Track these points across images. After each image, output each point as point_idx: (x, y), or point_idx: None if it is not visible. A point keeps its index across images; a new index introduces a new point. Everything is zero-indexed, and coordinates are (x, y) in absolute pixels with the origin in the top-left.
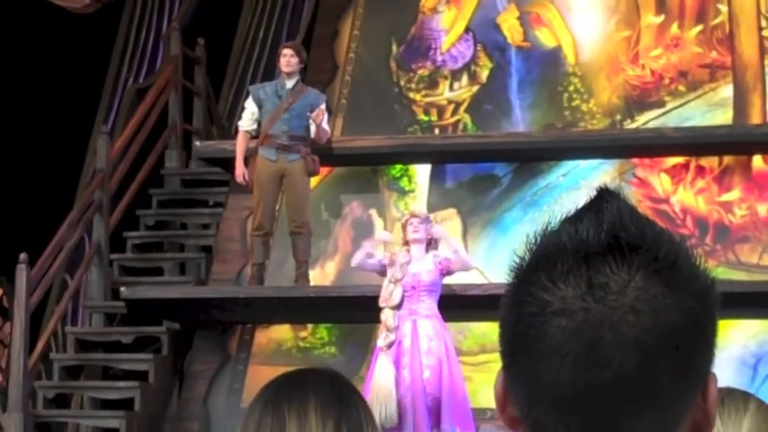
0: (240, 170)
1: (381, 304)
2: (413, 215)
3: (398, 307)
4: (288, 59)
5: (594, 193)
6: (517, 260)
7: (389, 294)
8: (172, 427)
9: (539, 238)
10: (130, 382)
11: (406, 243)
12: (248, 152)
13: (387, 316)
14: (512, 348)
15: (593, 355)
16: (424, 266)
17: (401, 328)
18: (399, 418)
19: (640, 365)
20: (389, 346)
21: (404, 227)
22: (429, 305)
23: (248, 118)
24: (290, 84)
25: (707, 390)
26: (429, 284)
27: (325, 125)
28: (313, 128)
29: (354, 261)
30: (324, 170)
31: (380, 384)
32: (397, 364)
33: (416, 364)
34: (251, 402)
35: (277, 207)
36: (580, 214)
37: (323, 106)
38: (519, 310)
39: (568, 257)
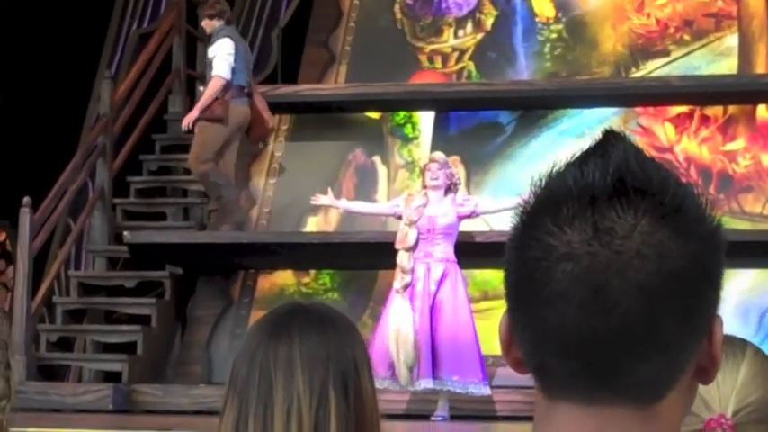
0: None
1: (397, 246)
2: (431, 160)
3: (413, 249)
4: (204, 22)
5: (600, 135)
6: (522, 203)
7: (404, 236)
8: (174, 371)
9: (544, 182)
10: (133, 326)
11: (425, 187)
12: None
13: (402, 258)
14: (516, 292)
15: (599, 300)
16: (441, 210)
17: (415, 271)
18: (417, 360)
19: (646, 310)
20: (405, 287)
21: (423, 171)
22: (444, 249)
23: None
24: None
25: (712, 333)
26: (445, 228)
27: (217, 68)
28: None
29: (367, 209)
30: (327, 117)
31: (399, 326)
32: (411, 306)
33: (425, 309)
34: (239, 349)
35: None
36: (585, 157)
37: (211, 48)
38: (524, 254)
39: (574, 201)
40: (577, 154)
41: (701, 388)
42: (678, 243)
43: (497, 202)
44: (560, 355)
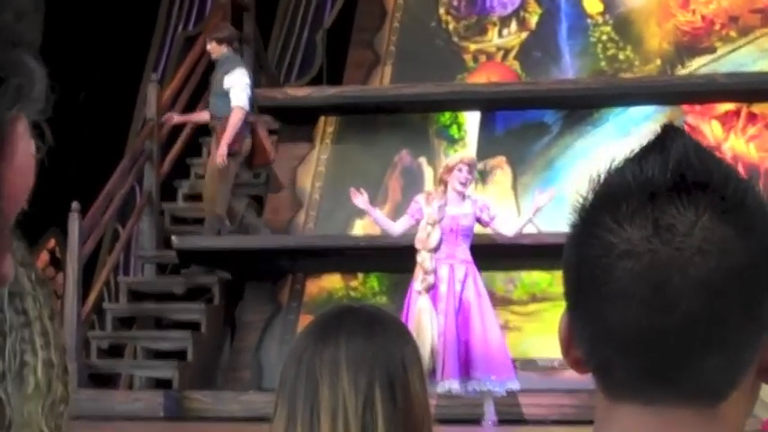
0: (171, 117)
1: (417, 246)
2: (463, 161)
3: (436, 250)
4: (211, 47)
5: (659, 130)
6: (581, 201)
7: (426, 236)
8: (224, 376)
9: (602, 178)
10: (183, 332)
11: (443, 183)
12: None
13: (423, 258)
14: (577, 290)
15: (660, 298)
16: (463, 210)
17: (438, 272)
18: (434, 363)
19: (707, 308)
20: (428, 289)
21: (450, 169)
22: (464, 250)
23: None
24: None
25: None
26: (467, 228)
27: (238, 99)
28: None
29: (396, 231)
30: (372, 118)
31: (418, 330)
32: (434, 308)
33: (450, 310)
34: (288, 354)
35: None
36: (645, 153)
37: (229, 78)
38: (584, 251)
39: (633, 197)
40: (636, 149)
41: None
42: (740, 239)
43: (511, 225)
44: (621, 353)
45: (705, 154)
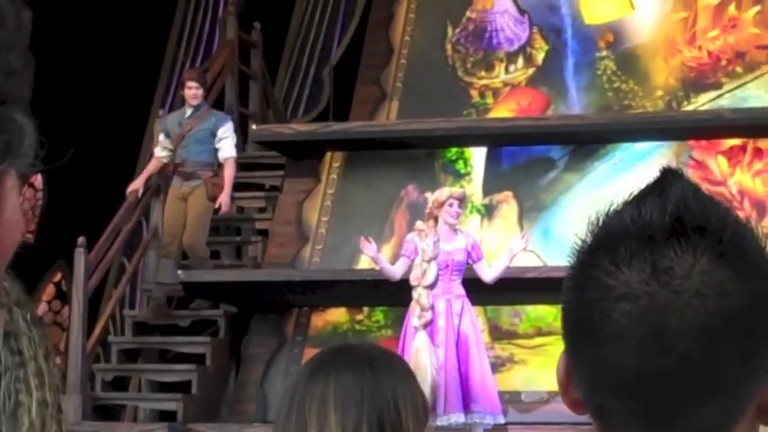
0: (136, 185)
1: (413, 283)
2: (453, 196)
3: (432, 286)
4: (194, 92)
5: (658, 173)
6: (579, 242)
7: (422, 273)
8: (229, 409)
9: (601, 221)
10: (188, 365)
11: (433, 218)
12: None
13: (420, 295)
14: (574, 332)
15: (658, 341)
16: (456, 245)
17: (435, 308)
18: (434, 398)
19: (705, 351)
20: (425, 325)
21: (440, 204)
22: (458, 284)
23: (159, 146)
24: (189, 111)
25: None
26: (460, 263)
27: (230, 151)
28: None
29: (398, 275)
30: (379, 154)
31: (416, 365)
32: (432, 343)
33: (451, 343)
34: (284, 387)
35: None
36: (643, 196)
37: (222, 129)
38: (581, 294)
39: (632, 240)
40: (635, 192)
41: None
42: (738, 282)
43: (491, 271)
44: (619, 396)
45: (703, 197)
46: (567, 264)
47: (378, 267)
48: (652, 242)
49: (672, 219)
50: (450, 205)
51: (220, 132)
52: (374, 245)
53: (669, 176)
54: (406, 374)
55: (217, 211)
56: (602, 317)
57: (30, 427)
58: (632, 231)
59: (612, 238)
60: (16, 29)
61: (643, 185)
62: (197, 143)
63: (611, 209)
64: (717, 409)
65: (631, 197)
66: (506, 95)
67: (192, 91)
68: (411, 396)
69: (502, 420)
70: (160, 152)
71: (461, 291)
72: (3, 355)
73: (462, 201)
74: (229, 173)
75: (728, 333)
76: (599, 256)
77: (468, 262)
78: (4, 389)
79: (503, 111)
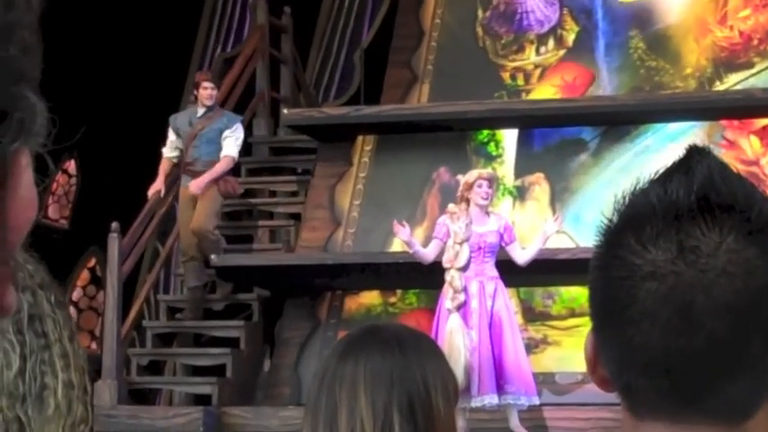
0: (157, 186)
1: (446, 265)
2: (483, 177)
3: (465, 268)
4: (209, 92)
5: (684, 151)
6: (605, 222)
7: (455, 255)
8: (263, 393)
9: (627, 199)
10: (222, 348)
11: (465, 201)
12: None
13: (453, 277)
14: (601, 312)
15: (685, 320)
16: (489, 227)
17: (468, 290)
18: (468, 380)
19: (732, 329)
20: (459, 308)
21: (470, 186)
22: (492, 266)
23: (168, 146)
24: (201, 111)
25: None
26: (493, 245)
27: (231, 150)
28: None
29: (431, 257)
30: (410, 137)
31: (450, 348)
32: (465, 325)
33: (484, 325)
34: (313, 376)
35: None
36: (669, 174)
37: (231, 129)
38: (608, 273)
39: (658, 219)
40: (661, 171)
41: None
42: (765, 260)
43: (524, 254)
44: (647, 375)
45: (730, 175)
46: (594, 243)
47: (411, 251)
48: (678, 221)
49: (698, 197)
50: (480, 186)
51: (228, 132)
52: (408, 228)
53: (695, 154)
54: (434, 354)
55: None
56: (628, 296)
57: (56, 408)
58: (658, 210)
59: (638, 217)
60: (26, 8)
61: (669, 164)
62: (208, 143)
63: (637, 188)
64: (744, 387)
65: (657, 175)
66: (551, 70)
67: (208, 91)
68: (441, 376)
69: (537, 402)
70: (170, 152)
71: (495, 272)
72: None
73: (491, 181)
74: (220, 167)
75: (756, 311)
76: (625, 236)
77: (501, 244)
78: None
79: (547, 86)
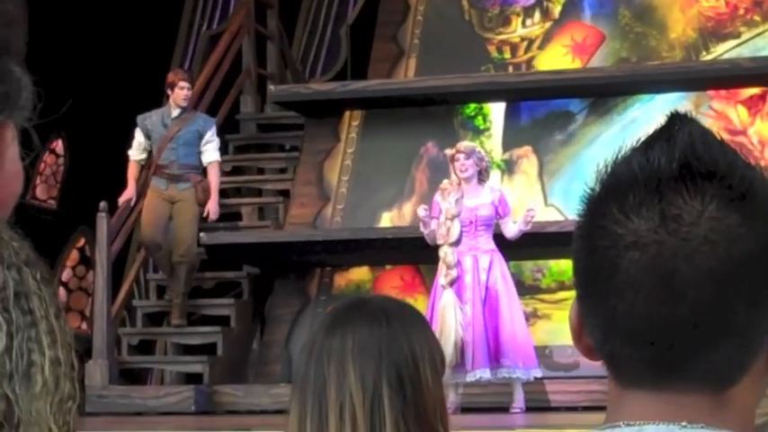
0: (129, 194)
1: (439, 241)
2: (458, 151)
3: (457, 243)
4: (186, 93)
5: (666, 119)
6: (588, 191)
7: (446, 231)
8: (254, 370)
9: (609, 168)
10: (213, 327)
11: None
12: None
13: (446, 253)
14: (585, 281)
15: (668, 289)
16: (481, 200)
17: (462, 264)
18: (461, 355)
19: (716, 297)
20: (452, 283)
21: (451, 161)
22: (487, 239)
23: (136, 148)
24: (175, 112)
25: None
26: (487, 218)
27: (215, 155)
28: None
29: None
30: (397, 111)
31: (442, 324)
32: (459, 299)
33: (477, 299)
34: (302, 345)
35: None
36: (651, 142)
37: (209, 132)
38: (591, 243)
39: (640, 188)
40: (643, 139)
41: None
42: (747, 227)
43: (512, 229)
44: (631, 343)
45: (712, 142)
46: (576, 212)
47: (425, 231)
48: (660, 189)
49: (680, 165)
50: (457, 160)
51: (208, 135)
52: (428, 211)
53: (677, 121)
54: (420, 325)
55: (205, 219)
56: (611, 265)
57: (43, 385)
58: (640, 179)
59: (621, 186)
60: None
61: (651, 131)
62: (186, 145)
63: (620, 156)
64: (727, 356)
65: (639, 143)
66: (560, 30)
67: (184, 92)
68: (428, 347)
69: (538, 374)
70: (139, 155)
71: (490, 245)
72: (14, 315)
73: (469, 154)
74: (215, 178)
75: (738, 278)
76: (608, 205)
77: (496, 216)
78: (17, 349)
79: (557, 47)
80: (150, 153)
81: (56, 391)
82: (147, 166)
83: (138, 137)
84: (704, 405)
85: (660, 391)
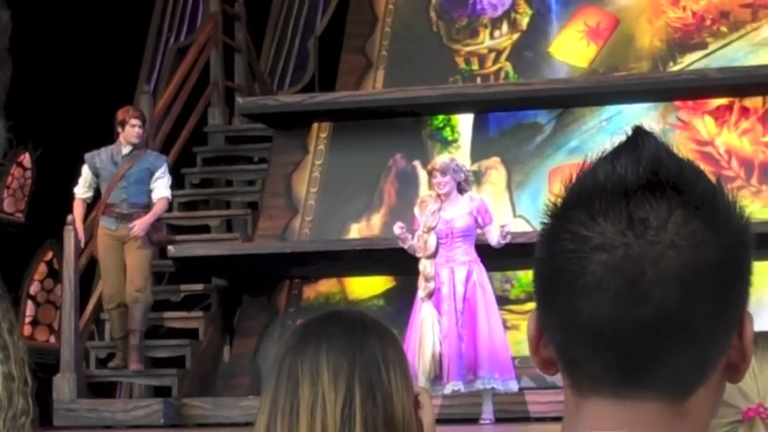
0: (80, 235)
1: (417, 254)
2: (434, 168)
3: (434, 255)
4: (137, 131)
5: (630, 131)
6: (552, 201)
7: (424, 244)
8: (223, 383)
9: (575, 177)
10: (181, 339)
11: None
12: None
13: (424, 265)
14: (548, 286)
15: (634, 290)
16: (458, 211)
17: (439, 276)
18: (440, 367)
19: (680, 300)
20: (430, 295)
21: (429, 176)
22: (465, 250)
23: (82, 185)
24: (125, 150)
25: (743, 329)
26: (464, 230)
27: (165, 191)
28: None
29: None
30: (366, 123)
31: (421, 337)
32: (437, 312)
33: (452, 311)
34: (273, 355)
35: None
36: (617, 152)
37: (160, 170)
38: (556, 247)
39: (607, 194)
40: (608, 150)
41: None
42: (711, 234)
43: (495, 237)
44: (593, 346)
45: (676, 155)
46: (541, 222)
47: (405, 246)
48: (627, 195)
49: (647, 172)
50: (434, 177)
51: (158, 173)
52: (403, 228)
53: (642, 134)
54: (390, 339)
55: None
56: (578, 268)
57: None
58: (607, 186)
59: (588, 193)
60: None
61: (616, 144)
62: (137, 183)
63: (585, 166)
64: (689, 361)
65: (605, 154)
66: (573, 15)
67: (136, 129)
68: (399, 358)
69: (515, 386)
70: (85, 192)
71: (468, 257)
72: None
73: (445, 171)
74: (158, 209)
75: (702, 284)
76: (574, 210)
77: (478, 226)
78: None
79: (571, 32)
80: (97, 191)
81: (9, 407)
82: (95, 205)
83: (85, 173)
84: (662, 414)
85: (618, 398)
